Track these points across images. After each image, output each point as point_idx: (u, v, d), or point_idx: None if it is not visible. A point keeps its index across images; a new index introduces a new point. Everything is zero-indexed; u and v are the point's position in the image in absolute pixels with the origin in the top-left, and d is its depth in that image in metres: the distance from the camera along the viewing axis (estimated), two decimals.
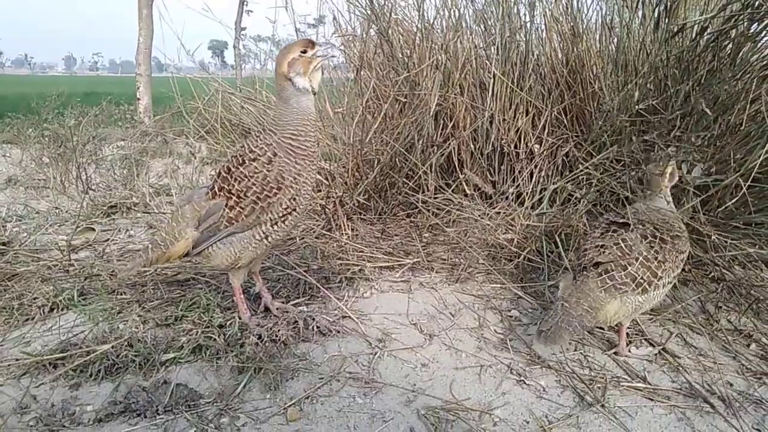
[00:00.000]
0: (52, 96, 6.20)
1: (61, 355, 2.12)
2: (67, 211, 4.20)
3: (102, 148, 5.86)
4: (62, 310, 2.49)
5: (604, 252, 2.26)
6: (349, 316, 2.58)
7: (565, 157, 3.52)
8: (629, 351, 2.40)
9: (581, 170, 3.26)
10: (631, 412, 2.01)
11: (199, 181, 4.71)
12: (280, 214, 2.15)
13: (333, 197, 3.60)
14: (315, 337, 2.40)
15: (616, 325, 2.36)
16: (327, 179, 3.74)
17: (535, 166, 3.53)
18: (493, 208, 3.50)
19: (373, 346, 2.40)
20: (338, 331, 2.45)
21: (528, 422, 1.98)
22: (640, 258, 2.22)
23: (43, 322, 2.41)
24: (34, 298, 2.51)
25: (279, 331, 2.32)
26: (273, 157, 2.07)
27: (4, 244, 3.29)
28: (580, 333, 2.20)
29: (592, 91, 3.55)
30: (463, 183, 3.60)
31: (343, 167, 3.69)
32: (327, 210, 3.63)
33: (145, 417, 1.88)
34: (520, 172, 3.56)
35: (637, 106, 3.11)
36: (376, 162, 3.57)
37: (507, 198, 3.48)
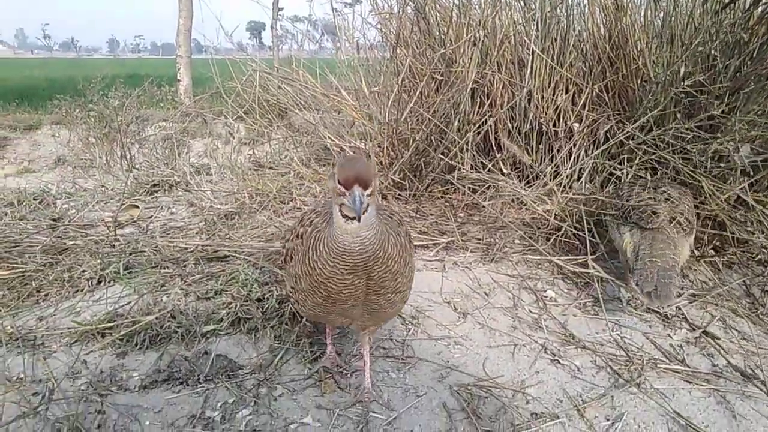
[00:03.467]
0: (97, 78, 6.38)
1: (109, 324, 2.22)
2: (112, 189, 4.34)
3: (144, 128, 6.02)
4: (109, 282, 2.60)
5: (660, 204, 2.56)
6: None
7: (606, 135, 3.43)
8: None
9: (613, 142, 3.18)
10: (668, 394, 1.98)
11: (238, 160, 4.78)
12: (290, 286, 1.85)
13: None
14: None
15: None
16: None
17: (574, 145, 3.45)
18: (530, 187, 3.45)
19: (407, 323, 2.42)
20: None
21: (561, 401, 1.97)
22: (687, 208, 2.58)
23: (91, 293, 2.53)
24: (83, 271, 2.63)
25: None
26: (298, 237, 1.76)
27: (54, 220, 3.45)
28: (678, 277, 2.41)
29: (636, 67, 3.43)
30: (500, 162, 3.56)
31: (378, 146, 3.70)
32: None
33: (187, 385, 1.96)
34: (558, 150, 3.49)
35: (683, 82, 2.99)
36: (411, 141, 3.56)
37: (544, 176, 3.42)
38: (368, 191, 1.45)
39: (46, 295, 2.50)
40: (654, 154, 3.08)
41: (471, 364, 2.18)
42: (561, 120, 3.53)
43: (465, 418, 1.89)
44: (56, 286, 2.55)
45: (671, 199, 2.57)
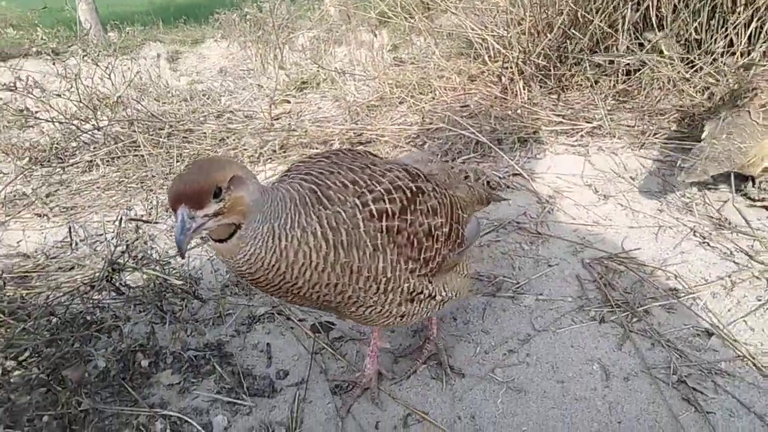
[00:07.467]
0: None
1: None
2: (267, 88, 4.70)
3: (294, 33, 6.32)
4: (267, 159, 2.91)
5: None
6: (520, 174, 2.59)
7: None
8: None
9: None
10: None
11: (379, 64, 4.83)
12: None
13: (509, 64, 3.48)
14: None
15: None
16: (505, 47, 3.60)
17: (754, 15, 2.95)
18: (695, 69, 3.07)
19: (543, 202, 2.41)
20: (508, 186, 2.49)
21: (706, 280, 1.87)
22: None
23: (253, 167, 2.85)
24: (245, 149, 2.96)
25: None
26: None
27: (219, 111, 3.86)
28: (728, 168, 2.13)
29: None
30: (660, 42, 3.18)
31: (521, 32, 3.50)
32: (503, 77, 3.54)
33: None
34: (734, 25, 3.01)
35: None
36: (556, 22, 3.32)
37: (713, 56, 3.01)
38: (208, 210, 1.02)
39: None
40: None
41: (609, 241, 2.13)
42: None
43: (596, 288, 1.88)
44: None
45: None
